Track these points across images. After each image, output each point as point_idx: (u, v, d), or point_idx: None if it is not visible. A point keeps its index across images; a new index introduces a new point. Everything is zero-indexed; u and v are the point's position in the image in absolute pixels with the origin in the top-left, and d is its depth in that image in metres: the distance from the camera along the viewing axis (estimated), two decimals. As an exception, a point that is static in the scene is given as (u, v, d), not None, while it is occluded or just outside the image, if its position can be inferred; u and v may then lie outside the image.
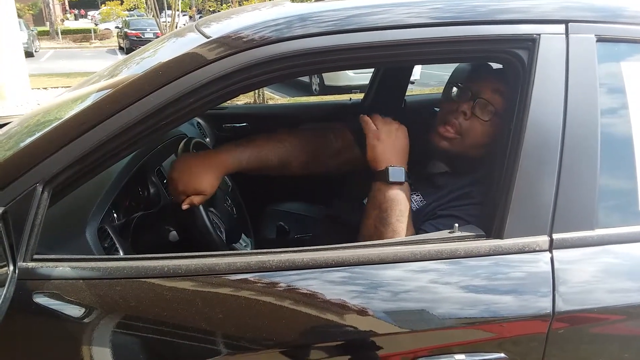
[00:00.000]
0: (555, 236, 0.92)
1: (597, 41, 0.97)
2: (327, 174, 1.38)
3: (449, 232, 0.95)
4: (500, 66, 1.16)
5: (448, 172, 1.23)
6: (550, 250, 0.91)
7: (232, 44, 0.94)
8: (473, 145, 1.18)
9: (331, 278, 0.90)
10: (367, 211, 1.12)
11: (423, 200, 1.19)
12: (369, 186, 1.13)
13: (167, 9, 11.48)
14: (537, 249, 0.91)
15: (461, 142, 1.18)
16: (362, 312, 0.88)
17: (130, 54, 1.55)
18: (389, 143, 1.11)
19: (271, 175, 1.31)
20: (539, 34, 0.95)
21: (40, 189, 0.89)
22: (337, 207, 1.44)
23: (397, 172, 1.09)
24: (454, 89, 1.23)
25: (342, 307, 0.88)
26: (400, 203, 1.08)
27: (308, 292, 0.89)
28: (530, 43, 0.95)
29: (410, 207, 1.10)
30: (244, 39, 0.94)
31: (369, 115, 1.15)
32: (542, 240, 0.92)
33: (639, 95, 0.99)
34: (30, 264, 0.89)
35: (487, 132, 1.16)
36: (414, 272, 0.91)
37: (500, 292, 0.90)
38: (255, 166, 1.21)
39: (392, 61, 1.18)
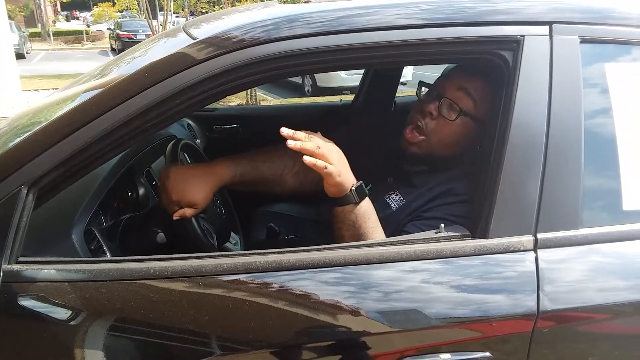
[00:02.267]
0: (539, 236, 0.92)
1: (581, 42, 0.97)
2: (317, 186, 1.36)
3: (435, 232, 0.95)
4: (473, 67, 1.18)
5: (425, 170, 1.23)
6: (534, 249, 0.92)
7: (219, 44, 0.94)
8: (441, 145, 1.19)
9: (318, 278, 0.90)
10: (341, 235, 1.07)
11: (402, 200, 1.19)
12: (333, 212, 1.07)
13: (160, 11, 11.45)
14: (522, 248, 0.92)
15: (428, 142, 1.18)
16: (349, 312, 0.88)
17: (118, 54, 1.54)
18: (343, 168, 1.02)
19: (265, 191, 1.31)
20: (523, 36, 0.96)
21: (25, 191, 0.89)
22: (324, 210, 1.44)
23: (360, 189, 1.04)
24: (422, 90, 1.25)
25: (329, 307, 0.89)
26: (372, 213, 1.06)
27: (295, 292, 0.89)
28: (515, 44, 0.96)
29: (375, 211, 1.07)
30: (232, 40, 0.94)
31: (307, 137, 1.00)
32: (527, 239, 0.92)
33: (623, 96, 1.00)
34: (15, 267, 0.88)
35: (454, 131, 1.17)
36: (400, 272, 0.91)
37: (486, 292, 0.91)
38: (249, 178, 1.22)
39: (381, 62, 1.18)
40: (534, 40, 0.96)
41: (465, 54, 1.00)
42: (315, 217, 1.56)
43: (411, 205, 1.17)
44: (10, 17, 11.85)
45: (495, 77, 1.08)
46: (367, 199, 1.06)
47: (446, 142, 1.18)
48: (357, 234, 1.06)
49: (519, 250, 0.92)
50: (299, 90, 9.23)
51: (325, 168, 0.99)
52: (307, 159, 0.97)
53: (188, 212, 1.12)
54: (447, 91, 1.17)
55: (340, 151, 1.03)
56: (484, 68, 1.14)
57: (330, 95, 7.55)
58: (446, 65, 1.39)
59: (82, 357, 0.89)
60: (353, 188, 1.03)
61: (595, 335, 0.97)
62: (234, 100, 7.12)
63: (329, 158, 0.99)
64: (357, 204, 1.04)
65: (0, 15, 7.36)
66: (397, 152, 1.24)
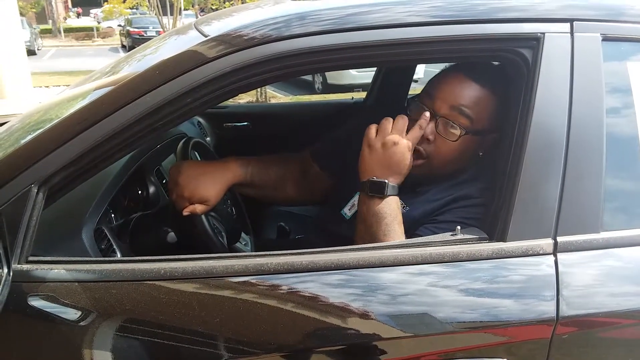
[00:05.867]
0: (559, 239, 0.90)
1: (603, 40, 0.95)
2: (312, 197, 1.39)
3: (451, 235, 0.93)
4: (460, 78, 1.11)
5: (430, 177, 1.16)
6: (554, 253, 0.90)
7: (230, 42, 0.93)
8: (442, 164, 1.12)
9: (331, 281, 0.88)
10: (356, 225, 1.08)
11: (405, 207, 1.14)
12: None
13: (170, 7, 11.48)
14: (541, 252, 0.89)
15: (429, 164, 1.11)
16: (362, 315, 0.87)
17: (129, 52, 1.53)
18: (378, 155, 1.04)
19: (269, 196, 1.33)
20: (544, 33, 0.93)
21: (36, 190, 0.88)
22: (323, 213, 1.42)
23: (378, 185, 1.03)
24: (412, 105, 1.15)
25: (342, 311, 0.87)
26: (385, 217, 1.03)
27: (307, 295, 0.87)
28: (535, 42, 0.93)
29: (401, 220, 1.05)
30: (243, 38, 0.93)
31: (399, 117, 1.06)
32: (546, 243, 0.90)
33: (646, 96, 0.97)
34: (25, 266, 0.87)
35: (454, 149, 1.09)
36: (415, 275, 0.89)
37: (504, 296, 0.89)
38: (258, 181, 1.23)
39: (392, 60, 1.16)
40: (554, 38, 0.93)
41: (483, 52, 0.98)
42: (320, 222, 1.54)
43: (415, 212, 1.13)
44: (21, 14, 11.92)
45: (488, 77, 1.06)
46: (385, 202, 1.04)
47: (448, 160, 1.11)
48: (367, 232, 1.04)
49: (538, 254, 0.89)
50: (309, 88, 9.21)
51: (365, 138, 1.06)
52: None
53: (199, 208, 1.11)
54: (439, 111, 1.09)
55: (396, 153, 1.04)
56: (472, 74, 1.09)
57: (341, 92, 7.53)
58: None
59: (92, 358, 0.88)
60: (370, 179, 1.04)
61: (617, 341, 0.95)
62: (244, 98, 7.12)
63: (372, 142, 1.05)
64: (368, 197, 1.04)
65: (11, 12, 7.40)
66: None
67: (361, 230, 1.06)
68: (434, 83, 1.15)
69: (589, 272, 0.91)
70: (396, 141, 1.03)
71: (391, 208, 1.04)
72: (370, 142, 1.05)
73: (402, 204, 1.15)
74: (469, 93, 1.08)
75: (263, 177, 1.24)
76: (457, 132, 1.07)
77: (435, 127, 1.09)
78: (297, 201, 1.41)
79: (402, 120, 1.05)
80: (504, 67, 1.06)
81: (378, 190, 1.04)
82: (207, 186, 1.11)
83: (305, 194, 1.36)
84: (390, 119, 1.06)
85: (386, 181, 1.04)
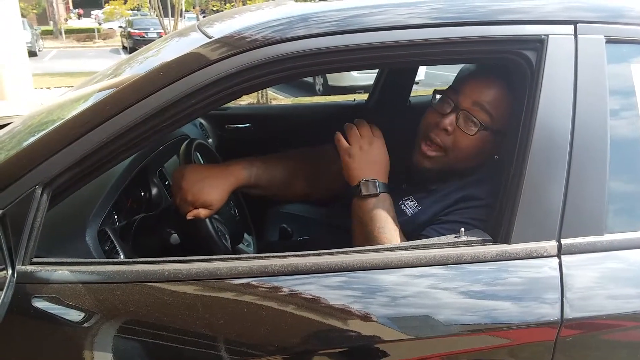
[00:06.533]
0: (563, 241, 0.90)
1: (607, 42, 0.95)
2: (330, 191, 1.38)
3: (455, 237, 0.93)
4: (487, 77, 1.13)
5: (442, 176, 1.17)
6: (558, 255, 0.90)
7: (234, 44, 0.93)
8: (458, 159, 1.13)
9: (334, 283, 0.88)
10: (352, 228, 1.11)
11: (418, 206, 1.16)
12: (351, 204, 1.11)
13: (171, 9, 11.50)
14: (545, 254, 0.89)
15: (445, 157, 1.13)
16: (365, 318, 0.87)
17: (132, 53, 1.54)
18: (361, 158, 1.09)
19: (277, 197, 1.32)
20: (547, 35, 0.93)
21: (40, 191, 0.88)
22: (333, 212, 1.42)
23: (370, 185, 1.08)
24: (437, 97, 1.17)
25: (345, 313, 0.87)
26: (379, 215, 1.06)
27: (311, 297, 0.87)
28: (538, 44, 0.93)
29: (395, 216, 1.08)
30: (246, 40, 0.93)
31: (357, 122, 1.13)
32: (550, 245, 0.90)
33: (650, 98, 0.97)
34: (29, 268, 0.87)
35: (471, 145, 1.11)
36: (419, 278, 0.89)
37: (507, 299, 0.89)
38: (263, 182, 1.22)
39: (395, 62, 1.17)
40: (558, 40, 0.93)
41: (486, 54, 0.98)
42: (327, 218, 1.54)
43: (427, 211, 1.14)
44: (22, 15, 11.93)
45: (512, 82, 1.06)
46: (378, 200, 1.07)
47: (463, 156, 1.13)
48: (364, 232, 1.06)
49: (542, 256, 0.89)
50: (310, 89, 9.21)
51: (341, 149, 1.11)
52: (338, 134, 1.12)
53: (202, 212, 1.11)
54: (462, 105, 1.11)
55: (374, 152, 1.10)
56: (499, 75, 1.10)
57: (342, 94, 7.54)
58: (460, 68, 1.36)
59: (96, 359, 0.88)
60: (361, 180, 1.07)
61: (621, 344, 0.95)
62: (245, 100, 7.12)
63: (349, 150, 1.10)
64: (362, 198, 1.07)
65: (13, 13, 7.41)
66: (412, 158, 1.21)
67: (357, 232, 1.09)
68: (461, 79, 1.18)
69: (593, 274, 0.91)
70: (371, 141, 1.11)
71: (385, 205, 1.07)
72: (348, 150, 1.10)
73: (415, 202, 1.17)
74: (493, 92, 1.11)
75: (268, 178, 1.23)
76: (476, 127, 1.10)
77: (456, 120, 1.11)
78: (306, 198, 1.41)
79: (361, 122, 1.12)
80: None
81: (372, 189, 1.07)
82: (211, 191, 1.11)
83: (319, 189, 1.35)
84: (353, 125, 1.12)
85: (376, 180, 1.08)
